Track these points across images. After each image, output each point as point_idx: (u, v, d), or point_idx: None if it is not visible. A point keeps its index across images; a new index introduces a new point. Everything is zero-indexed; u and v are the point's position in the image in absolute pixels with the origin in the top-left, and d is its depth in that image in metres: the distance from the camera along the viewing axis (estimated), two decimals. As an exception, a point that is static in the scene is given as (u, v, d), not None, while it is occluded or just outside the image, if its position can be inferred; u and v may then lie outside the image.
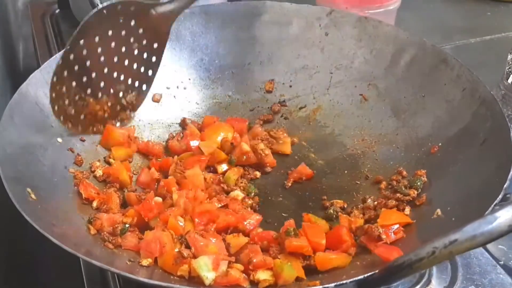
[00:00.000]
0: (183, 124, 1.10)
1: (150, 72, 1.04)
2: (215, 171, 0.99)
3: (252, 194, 0.95)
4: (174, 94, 1.13)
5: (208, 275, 0.73)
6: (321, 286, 0.66)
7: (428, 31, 1.47)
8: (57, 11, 1.67)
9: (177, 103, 1.13)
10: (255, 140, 1.04)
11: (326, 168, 1.03)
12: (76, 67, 0.94)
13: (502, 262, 0.86)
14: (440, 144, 0.94)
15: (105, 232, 0.82)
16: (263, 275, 0.75)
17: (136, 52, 1.00)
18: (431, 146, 0.95)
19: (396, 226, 0.81)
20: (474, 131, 0.89)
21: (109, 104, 1.00)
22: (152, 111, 1.10)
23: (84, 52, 0.93)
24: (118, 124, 1.03)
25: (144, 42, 1.00)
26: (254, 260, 0.76)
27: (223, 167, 1.00)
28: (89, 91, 0.97)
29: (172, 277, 0.76)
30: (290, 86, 1.15)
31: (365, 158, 1.03)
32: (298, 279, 0.76)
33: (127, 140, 1.02)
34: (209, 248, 0.78)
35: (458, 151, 0.90)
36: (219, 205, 0.88)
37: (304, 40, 1.15)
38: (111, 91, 1.00)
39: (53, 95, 0.92)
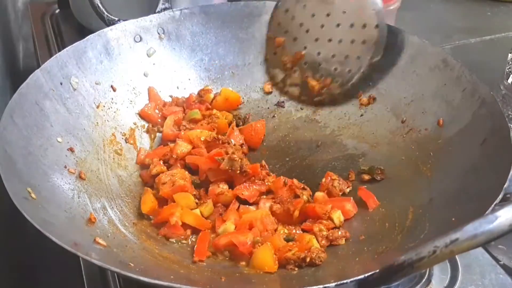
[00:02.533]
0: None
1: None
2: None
3: None
4: (174, 94, 1.13)
5: None
6: (321, 286, 0.66)
7: (428, 31, 1.47)
8: (57, 11, 1.67)
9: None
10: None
11: (326, 168, 1.02)
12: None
13: (502, 262, 0.86)
14: (440, 144, 0.94)
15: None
16: None
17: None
18: (431, 146, 0.95)
19: None
20: (474, 131, 0.89)
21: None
22: (151, 111, 1.10)
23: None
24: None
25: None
26: None
27: None
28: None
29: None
30: (290, 86, 1.15)
31: (365, 159, 1.03)
32: None
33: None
34: None
35: (458, 151, 0.90)
36: None
37: (304, 40, 1.15)
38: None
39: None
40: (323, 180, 0.96)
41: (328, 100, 1.07)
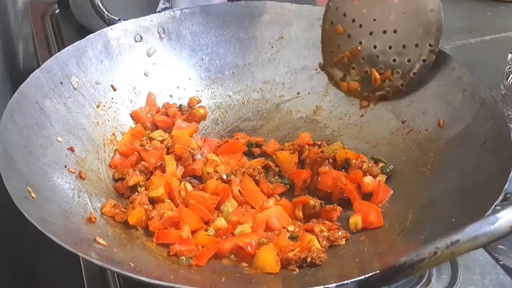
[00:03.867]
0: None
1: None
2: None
3: None
4: (174, 94, 1.13)
5: None
6: (322, 287, 0.66)
7: (428, 31, 1.47)
8: (57, 11, 1.67)
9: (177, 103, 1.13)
10: None
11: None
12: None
13: (502, 262, 0.86)
14: (440, 144, 0.94)
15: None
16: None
17: None
18: (432, 147, 0.95)
19: None
20: (474, 132, 0.89)
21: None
22: (152, 111, 1.10)
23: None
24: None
25: None
26: None
27: None
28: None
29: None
30: (290, 87, 1.15)
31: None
32: None
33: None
34: None
35: (459, 152, 0.90)
36: None
37: (304, 41, 1.15)
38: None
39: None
40: (353, 161, 0.97)
41: (392, 94, 1.04)
